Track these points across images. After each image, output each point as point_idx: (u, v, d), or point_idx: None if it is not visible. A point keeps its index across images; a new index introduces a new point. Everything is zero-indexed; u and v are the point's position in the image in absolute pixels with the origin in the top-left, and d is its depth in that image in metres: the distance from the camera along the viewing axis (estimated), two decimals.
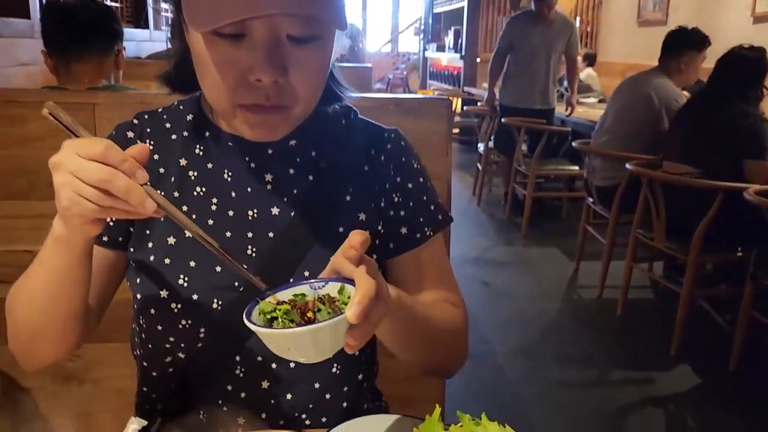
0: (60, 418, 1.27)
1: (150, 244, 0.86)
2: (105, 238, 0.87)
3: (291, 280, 0.83)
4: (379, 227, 0.91)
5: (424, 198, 0.95)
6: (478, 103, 4.98)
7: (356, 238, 0.63)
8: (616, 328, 3.31)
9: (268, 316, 0.66)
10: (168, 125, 0.91)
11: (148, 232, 0.86)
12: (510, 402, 2.59)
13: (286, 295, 0.68)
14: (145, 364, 0.91)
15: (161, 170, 0.88)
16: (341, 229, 0.87)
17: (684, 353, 2.94)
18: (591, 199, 3.81)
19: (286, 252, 0.86)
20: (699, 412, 2.57)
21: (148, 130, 0.90)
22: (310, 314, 0.65)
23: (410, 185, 0.94)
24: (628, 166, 3.11)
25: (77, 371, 1.25)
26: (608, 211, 3.52)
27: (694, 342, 3.01)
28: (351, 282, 0.63)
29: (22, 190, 1.21)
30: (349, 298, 0.63)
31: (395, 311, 0.71)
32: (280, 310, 0.66)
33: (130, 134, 0.90)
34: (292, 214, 0.87)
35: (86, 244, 0.72)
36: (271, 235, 0.86)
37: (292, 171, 0.89)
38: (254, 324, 0.62)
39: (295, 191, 0.88)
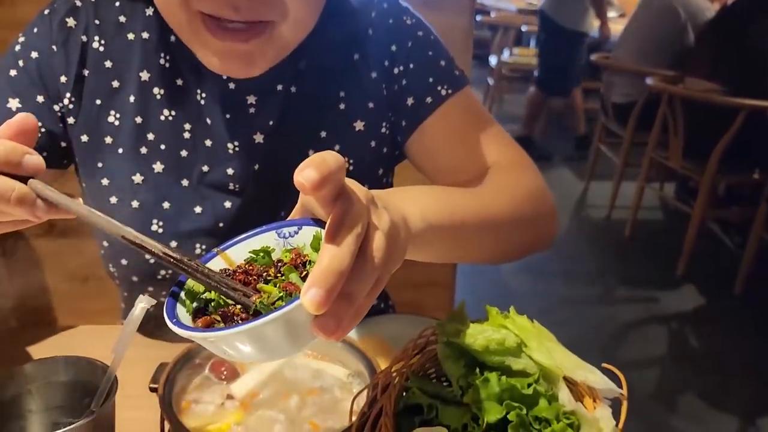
0: (69, 317, 1.26)
1: (105, 181, 0.72)
2: None
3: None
4: (385, 125, 0.76)
5: (430, 53, 0.76)
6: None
7: (306, 175, 0.36)
8: (624, 248, 3.29)
9: (202, 298, 0.44)
10: (123, 19, 0.71)
11: (100, 165, 0.72)
12: None
13: (242, 251, 0.46)
14: (123, 305, 0.84)
15: (115, 83, 0.71)
16: (337, 147, 0.74)
17: (690, 274, 2.93)
18: (605, 117, 3.71)
19: (273, 187, 0.72)
20: (701, 331, 2.59)
21: (97, 22, 0.71)
22: (257, 296, 0.42)
23: (410, 44, 0.75)
24: (648, 81, 2.99)
25: (79, 268, 1.22)
26: (623, 130, 3.43)
27: (702, 264, 3.00)
28: None
29: None
30: None
31: (427, 235, 0.53)
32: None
33: (71, 22, 0.70)
34: (279, 138, 0.72)
35: None
36: (256, 167, 0.72)
37: (280, 87, 0.72)
38: (173, 319, 0.41)
39: (280, 110, 0.72)
